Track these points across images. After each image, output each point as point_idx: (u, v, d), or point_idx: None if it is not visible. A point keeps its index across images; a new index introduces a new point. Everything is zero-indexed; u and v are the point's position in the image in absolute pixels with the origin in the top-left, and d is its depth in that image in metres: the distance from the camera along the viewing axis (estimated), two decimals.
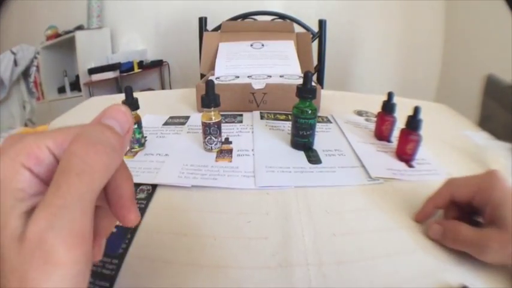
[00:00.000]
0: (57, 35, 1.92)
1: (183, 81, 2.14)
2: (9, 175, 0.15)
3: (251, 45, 0.71)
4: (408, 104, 0.42)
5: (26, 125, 1.40)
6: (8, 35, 1.64)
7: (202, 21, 0.96)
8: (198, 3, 1.80)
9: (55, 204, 0.13)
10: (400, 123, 0.42)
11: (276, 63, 0.67)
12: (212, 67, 0.69)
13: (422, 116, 0.39)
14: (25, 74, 1.46)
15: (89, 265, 0.14)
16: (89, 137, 0.15)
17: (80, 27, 1.93)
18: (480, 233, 0.25)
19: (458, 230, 0.26)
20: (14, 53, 1.38)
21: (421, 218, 0.31)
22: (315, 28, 0.96)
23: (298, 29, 0.80)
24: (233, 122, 0.53)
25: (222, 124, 0.43)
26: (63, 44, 1.94)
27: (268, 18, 0.98)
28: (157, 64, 2.12)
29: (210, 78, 0.60)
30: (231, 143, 0.46)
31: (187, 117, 0.55)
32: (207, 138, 0.42)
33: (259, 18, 0.96)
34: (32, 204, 0.15)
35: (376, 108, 0.48)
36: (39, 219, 0.13)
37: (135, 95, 0.42)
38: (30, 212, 0.14)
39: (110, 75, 1.98)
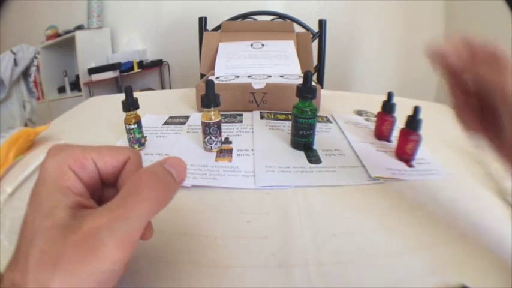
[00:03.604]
0: (57, 35, 1.92)
1: (183, 81, 2.14)
2: (56, 173, 0.18)
3: (251, 45, 0.71)
4: (408, 104, 0.42)
5: (26, 125, 1.40)
6: (8, 35, 1.64)
7: (202, 21, 0.96)
8: (198, 3, 1.80)
9: (118, 214, 0.16)
10: (400, 123, 0.42)
11: (276, 63, 0.67)
12: (212, 67, 0.69)
13: (422, 116, 0.39)
14: (25, 74, 1.46)
15: (123, 269, 0.17)
16: (157, 175, 0.18)
17: (80, 27, 1.93)
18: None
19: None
20: (14, 53, 1.38)
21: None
22: (315, 28, 0.96)
23: (298, 29, 0.80)
24: (233, 122, 0.53)
25: (222, 124, 0.43)
26: (63, 44, 1.94)
27: (268, 18, 0.98)
28: (157, 64, 2.12)
29: (210, 78, 0.60)
30: (231, 142, 0.46)
31: (187, 117, 0.55)
32: (207, 138, 0.42)
33: (259, 18, 0.96)
34: (75, 201, 0.18)
35: (376, 108, 0.48)
36: (99, 218, 0.16)
37: (135, 94, 0.42)
38: (74, 208, 0.17)
39: (109, 75, 1.98)
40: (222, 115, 0.43)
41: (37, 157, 0.41)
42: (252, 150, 0.43)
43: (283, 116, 0.55)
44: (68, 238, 0.15)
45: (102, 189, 0.21)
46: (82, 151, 0.19)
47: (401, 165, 0.40)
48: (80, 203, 0.18)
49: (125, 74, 2.03)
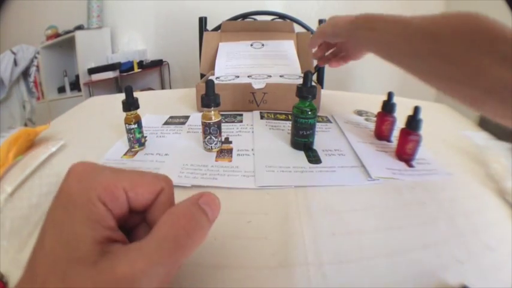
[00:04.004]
0: (57, 35, 1.92)
1: (183, 81, 2.14)
2: (83, 203, 0.17)
3: (251, 45, 0.71)
4: (408, 104, 0.42)
5: (26, 125, 1.40)
6: (8, 35, 1.64)
7: (202, 21, 0.96)
8: (198, 3, 1.80)
9: (155, 260, 0.15)
10: (400, 123, 0.42)
11: (276, 63, 0.67)
12: (212, 67, 0.69)
13: (422, 116, 0.39)
14: (25, 73, 1.46)
15: None
16: (194, 218, 0.18)
17: (80, 27, 1.93)
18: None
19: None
20: (14, 53, 1.38)
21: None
22: (315, 28, 0.96)
23: (298, 29, 0.80)
24: (233, 122, 0.53)
25: (222, 124, 0.43)
26: (63, 44, 1.94)
27: (268, 18, 0.98)
28: (157, 64, 2.12)
29: (210, 78, 0.60)
30: (231, 142, 0.46)
31: (187, 117, 0.55)
32: (207, 138, 0.42)
33: (259, 18, 0.96)
34: (104, 235, 0.16)
35: (376, 108, 0.48)
36: (135, 263, 0.15)
37: (135, 94, 0.42)
38: (102, 242, 0.16)
39: (109, 75, 1.98)
40: (222, 115, 0.43)
41: (37, 157, 0.41)
42: (252, 150, 0.43)
43: (283, 116, 0.55)
44: (97, 277, 0.15)
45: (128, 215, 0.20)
46: (113, 179, 0.18)
47: (402, 165, 0.40)
48: (109, 237, 0.17)
49: (125, 74, 2.03)
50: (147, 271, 0.15)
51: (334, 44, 0.49)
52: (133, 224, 0.20)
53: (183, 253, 0.17)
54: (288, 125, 0.50)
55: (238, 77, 0.61)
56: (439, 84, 0.32)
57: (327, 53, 0.53)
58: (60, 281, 0.14)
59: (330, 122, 0.54)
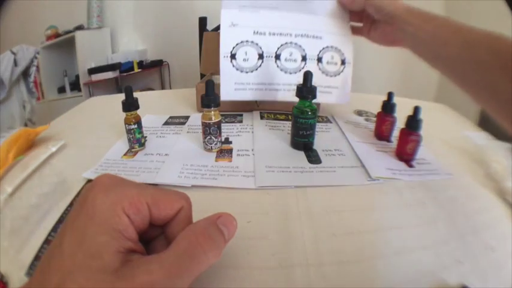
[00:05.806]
0: (57, 35, 1.92)
1: (183, 81, 2.14)
2: (108, 214, 0.18)
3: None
4: (408, 104, 0.42)
5: (26, 125, 1.40)
6: (8, 35, 1.64)
7: (202, 21, 0.96)
8: (198, 3, 1.80)
9: (173, 272, 0.17)
10: (400, 123, 0.42)
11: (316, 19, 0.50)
12: (212, 67, 0.68)
13: (422, 116, 0.39)
14: (25, 74, 1.46)
15: None
16: (212, 238, 0.19)
17: (80, 27, 1.94)
18: None
19: None
20: (14, 53, 1.38)
21: None
22: None
23: None
24: (233, 122, 0.53)
25: (222, 124, 0.43)
26: (63, 44, 1.95)
27: None
28: (157, 64, 2.12)
29: (211, 78, 0.60)
30: (231, 142, 0.46)
31: (187, 117, 0.55)
32: (207, 138, 0.42)
33: None
34: (126, 246, 0.17)
35: (376, 108, 0.48)
36: (154, 273, 0.16)
37: (135, 95, 0.42)
38: (123, 252, 0.17)
39: (109, 75, 1.98)
40: (222, 115, 0.43)
41: (37, 157, 0.41)
42: (252, 150, 0.43)
43: (283, 116, 0.55)
44: (117, 284, 0.15)
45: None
46: (137, 194, 0.19)
47: (402, 165, 0.40)
48: (130, 248, 0.18)
49: (125, 74, 2.04)
50: (164, 282, 0.16)
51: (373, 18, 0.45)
52: (151, 236, 0.21)
53: (198, 268, 0.18)
54: (288, 125, 0.50)
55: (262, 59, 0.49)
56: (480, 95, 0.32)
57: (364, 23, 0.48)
58: (78, 286, 0.15)
59: (330, 122, 0.54)
